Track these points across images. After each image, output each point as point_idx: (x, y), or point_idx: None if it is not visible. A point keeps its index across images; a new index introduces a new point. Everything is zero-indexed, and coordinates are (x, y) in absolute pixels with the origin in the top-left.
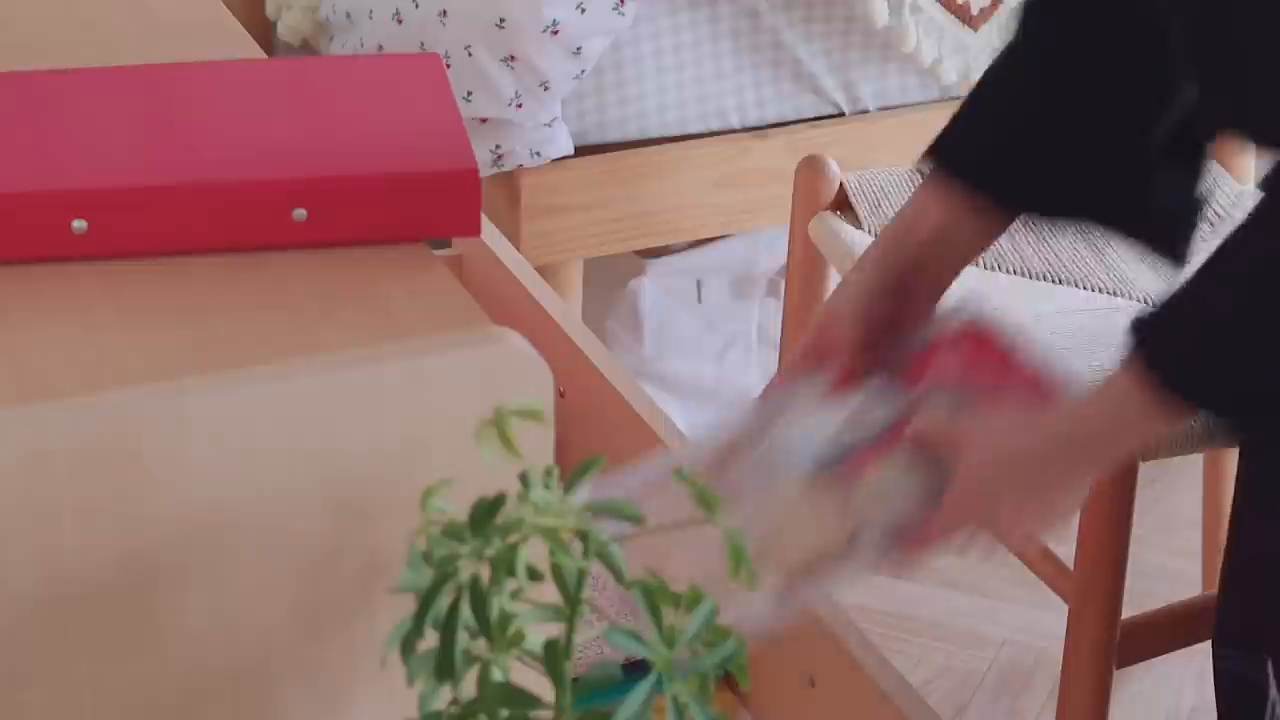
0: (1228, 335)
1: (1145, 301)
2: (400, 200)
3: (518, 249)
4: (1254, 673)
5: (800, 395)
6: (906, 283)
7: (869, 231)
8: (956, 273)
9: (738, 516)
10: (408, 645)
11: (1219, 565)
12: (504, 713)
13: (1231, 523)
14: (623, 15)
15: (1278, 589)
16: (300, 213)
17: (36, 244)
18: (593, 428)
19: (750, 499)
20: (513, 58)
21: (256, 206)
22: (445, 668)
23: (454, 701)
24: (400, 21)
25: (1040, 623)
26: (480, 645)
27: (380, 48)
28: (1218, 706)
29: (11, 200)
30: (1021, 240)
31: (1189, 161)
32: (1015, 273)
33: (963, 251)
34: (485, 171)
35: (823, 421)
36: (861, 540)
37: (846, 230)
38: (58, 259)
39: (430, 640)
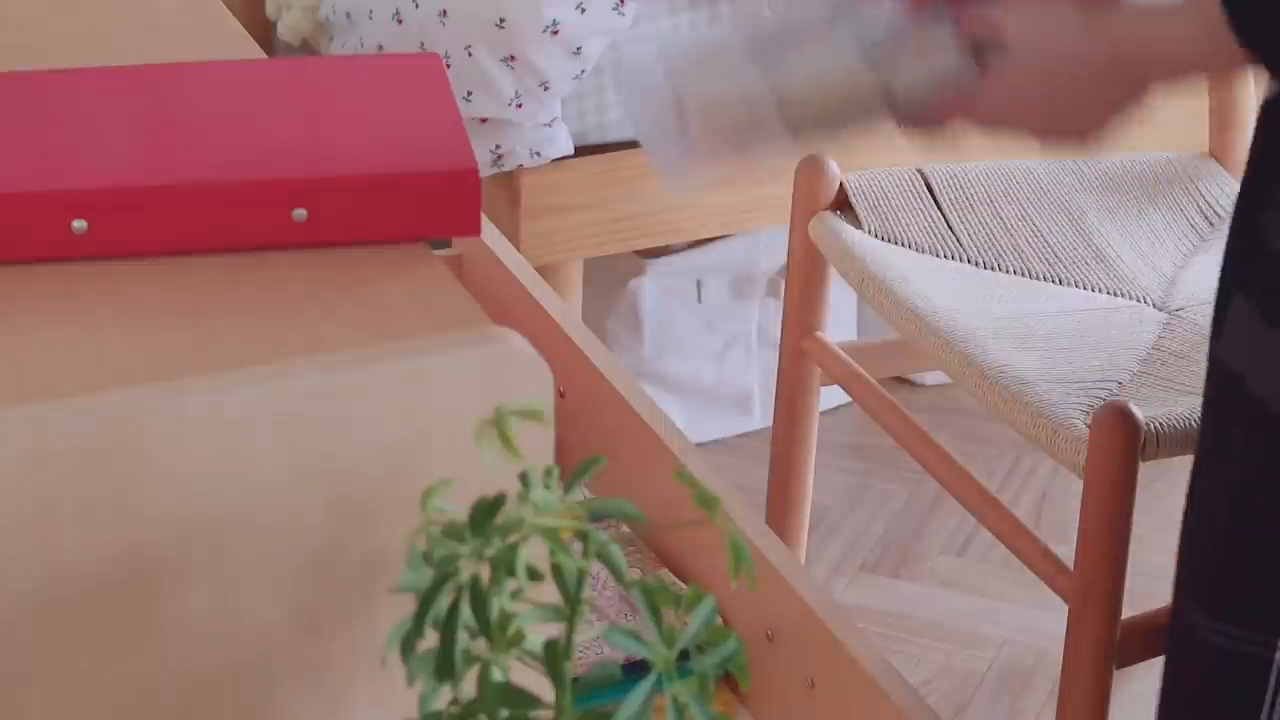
0: None
1: (1145, 301)
2: (400, 200)
3: (518, 249)
4: (1264, 650)
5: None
6: None
7: (869, 231)
8: None
9: (779, 67)
10: (408, 645)
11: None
12: (504, 713)
13: (1220, 492)
14: (623, 15)
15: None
16: (300, 213)
17: (36, 244)
18: (593, 428)
19: (795, 58)
20: (513, 58)
21: (256, 206)
22: (445, 668)
23: (454, 701)
24: (400, 21)
25: (1040, 623)
26: (480, 645)
27: (380, 48)
28: (1192, 683)
29: (11, 200)
30: (1021, 240)
31: None
32: (1015, 273)
33: None
34: (485, 171)
35: (884, 16)
36: (892, 94)
37: (846, 230)
38: (58, 259)
39: (430, 640)
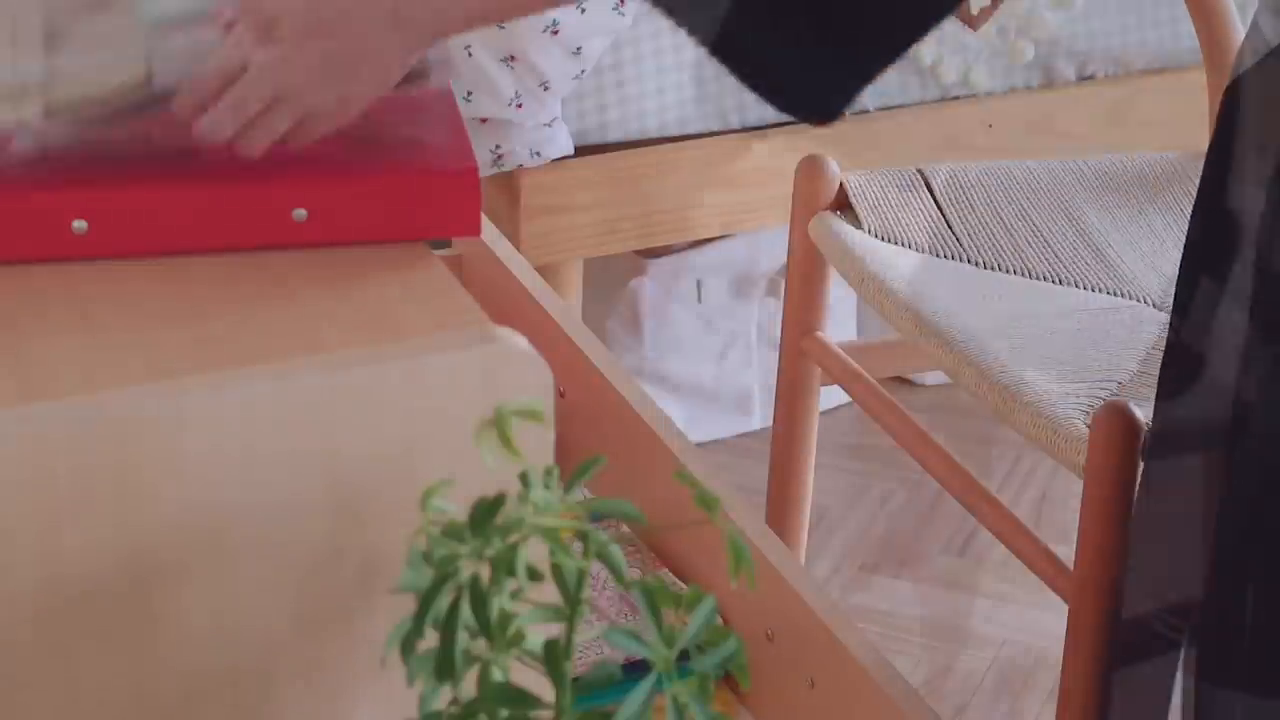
0: None
1: (1145, 301)
2: (400, 200)
3: (518, 249)
4: (1172, 632)
5: None
6: None
7: (869, 231)
8: None
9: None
10: (408, 645)
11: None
12: (504, 713)
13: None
14: (623, 15)
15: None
16: (300, 213)
17: (36, 244)
18: (593, 428)
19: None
20: (513, 58)
21: (256, 206)
22: (445, 668)
23: (454, 701)
24: None
25: (1040, 623)
26: (480, 645)
27: None
28: (1119, 658)
29: (11, 200)
30: (1021, 240)
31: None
32: (1015, 273)
33: None
34: (485, 171)
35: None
36: (159, 83)
37: (846, 230)
38: (58, 259)
39: (430, 640)
